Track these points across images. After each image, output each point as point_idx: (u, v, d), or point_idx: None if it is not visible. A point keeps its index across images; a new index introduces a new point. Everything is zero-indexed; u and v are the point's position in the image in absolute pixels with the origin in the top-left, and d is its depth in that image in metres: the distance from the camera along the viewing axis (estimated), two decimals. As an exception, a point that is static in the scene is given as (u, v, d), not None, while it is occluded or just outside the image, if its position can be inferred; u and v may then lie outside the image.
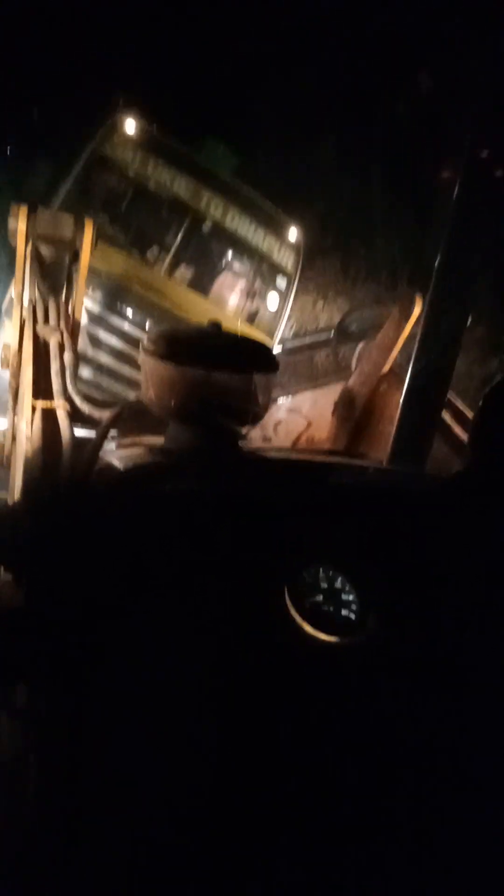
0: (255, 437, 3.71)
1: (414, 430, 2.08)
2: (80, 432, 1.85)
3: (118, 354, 6.61)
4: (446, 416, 2.56)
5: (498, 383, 1.31)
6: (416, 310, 3.10)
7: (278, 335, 7.73)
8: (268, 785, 1.03)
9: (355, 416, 3.12)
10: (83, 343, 6.13)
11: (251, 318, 7.67)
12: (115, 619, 1.18)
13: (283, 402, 3.81)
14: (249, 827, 1.01)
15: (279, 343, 7.30)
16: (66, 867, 1.07)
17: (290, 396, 3.76)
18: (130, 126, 6.77)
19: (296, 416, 3.62)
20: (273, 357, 1.80)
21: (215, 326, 1.78)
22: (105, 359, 6.65)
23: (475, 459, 1.35)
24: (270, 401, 1.72)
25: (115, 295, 6.61)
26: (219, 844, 1.00)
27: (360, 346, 3.61)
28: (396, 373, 3.20)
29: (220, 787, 1.03)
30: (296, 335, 8.39)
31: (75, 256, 2.93)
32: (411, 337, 3.13)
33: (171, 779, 1.06)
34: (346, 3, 9.72)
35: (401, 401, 2.00)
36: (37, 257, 2.75)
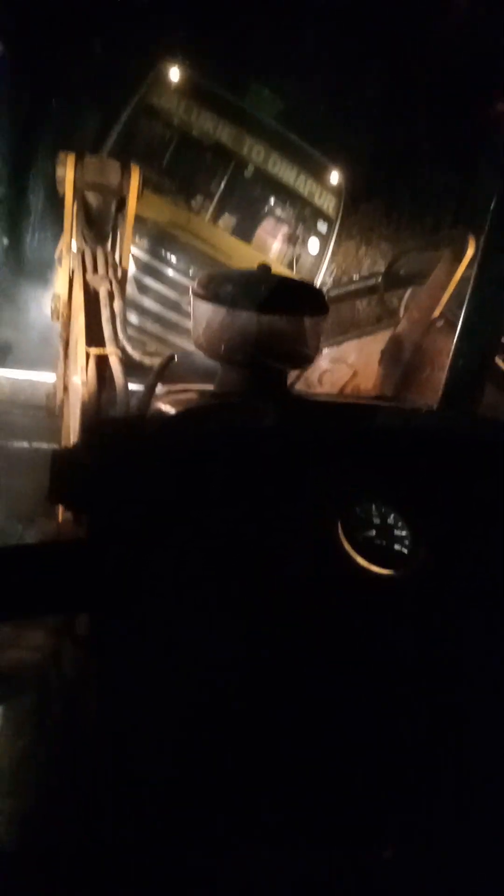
0: (300, 387, 3.70)
1: (466, 375, 2.04)
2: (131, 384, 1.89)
3: (164, 300, 6.73)
4: (499, 361, 2.50)
5: None
6: (469, 251, 2.99)
7: (319, 279, 7.74)
8: (322, 718, 1.07)
9: (404, 363, 3.07)
10: (131, 289, 6.28)
11: (292, 264, 7.65)
12: (172, 552, 1.22)
13: (327, 351, 3.77)
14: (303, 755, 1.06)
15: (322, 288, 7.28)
16: (121, 801, 1.12)
17: (334, 346, 3.71)
18: (175, 74, 6.74)
19: (341, 366, 3.58)
20: (323, 299, 1.79)
21: (265, 269, 1.77)
22: (151, 305, 6.78)
23: None
24: (320, 343, 1.71)
25: (161, 242, 6.70)
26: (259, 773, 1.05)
27: (409, 291, 3.52)
28: (448, 318, 3.12)
29: (272, 718, 1.08)
30: (337, 281, 8.28)
31: (122, 204, 2.93)
32: (464, 280, 3.04)
33: (228, 709, 1.10)
34: None
35: (452, 346, 1.96)
36: (84, 206, 2.75)
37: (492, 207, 2.09)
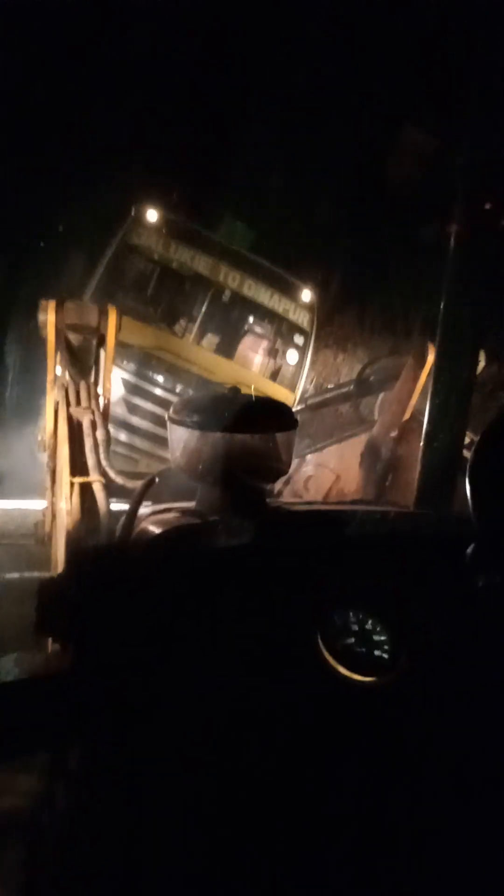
0: (286, 493, 3.78)
1: (436, 474, 2.13)
2: (115, 504, 1.96)
3: (153, 418, 7.11)
4: (467, 456, 2.59)
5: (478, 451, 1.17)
6: (430, 357, 3.19)
7: (300, 388, 8.20)
8: (311, 823, 1.05)
9: (381, 465, 3.17)
10: (120, 410, 6.66)
11: (274, 375, 8.13)
12: (158, 674, 1.23)
13: (311, 457, 3.88)
14: (284, 863, 1.03)
15: (302, 398, 7.68)
16: None
17: (318, 452, 3.84)
18: (152, 216, 7.50)
19: (324, 471, 3.68)
20: (291, 415, 1.89)
21: (234, 391, 1.89)
22: (140, 422, 7.18)
23: (481, 533, 1.18)
24: (292, 456, 1.80)
25: (148, 365, 7.20)
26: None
27: (381, 396, 3.70)
28: (419, 419, 3.26)
29: (262, 826, 1.06)
30: (318, 390, 8.72)
31: (101, 341, 3.14)
32: (429, 384, 3.21)
33: (218, 826, 1.08)
34: (347, 74, 10.34)
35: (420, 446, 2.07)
36: (66, 345, 2.95)
37: (440, 319, 2.28)
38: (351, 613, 1.29)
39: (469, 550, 1.21)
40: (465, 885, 1.03)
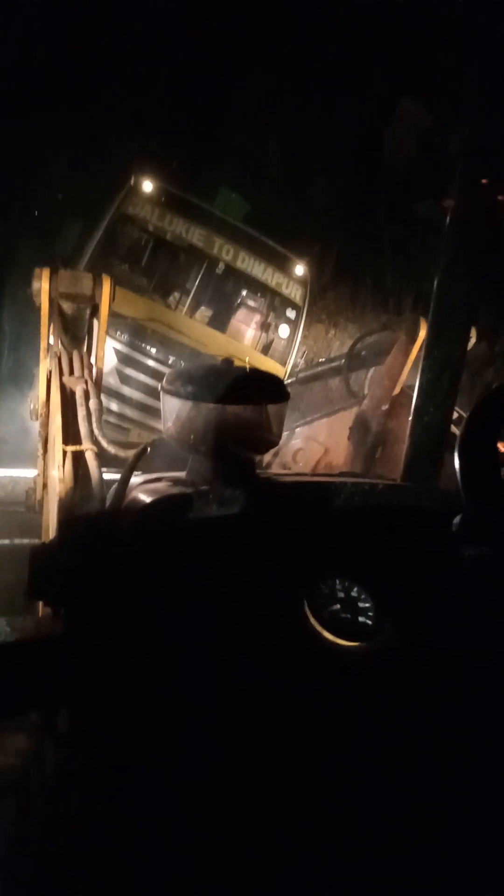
0: (275, 465, 3.81)
1: (424, 449, 2.16)
2: (107, 473, 1.97)
3: (145, 388, 7.17)
4: (456, 430, 2.62)
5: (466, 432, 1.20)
6: (422, 333, 3.21)
7: (291, 362, 8.25)
8: (294, 786, 1.09)
9: (370, 439, 3.20)
10: (113, 380, 6.68)
11: (266, 349, 8.13)
12: (148, 641, 1.26)
13: (300, 430, 3.91)
14: (274, 829, 1.07)
15: (293, 371, 7.72)
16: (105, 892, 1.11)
17: (306, 425, 3.86)
18: (148, 186, 7.39)
19: (313, 444, 3.71)
20: (283, 387, 1.91)
21: (227, 362, 1.90)
22: (132, 393, 7.22)
23: (468, 510, 1.22)
24: (283, 428, 1.82)
25: (141, 336, 7.18)
26: (245, 851, 1.06)
27: (371, 371, 3.71)
28: (409, 394, 3.28)
29: (251, 791, 1.10)
30: (309, 364, 8.75)
31: (95, 310, 3.12)
32: (420, 359, 3.23)
33: (206, 793, 1.12)
34: (346, 50, 10.16)
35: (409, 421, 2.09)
36: (59, 313, 2.93)
37: (433, 295, 2.29)
38: (337, 581, 1.32)
39: (455, 522, 1.25)
40: (450, 852, 1.07)
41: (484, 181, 2.42)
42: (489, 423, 1.22)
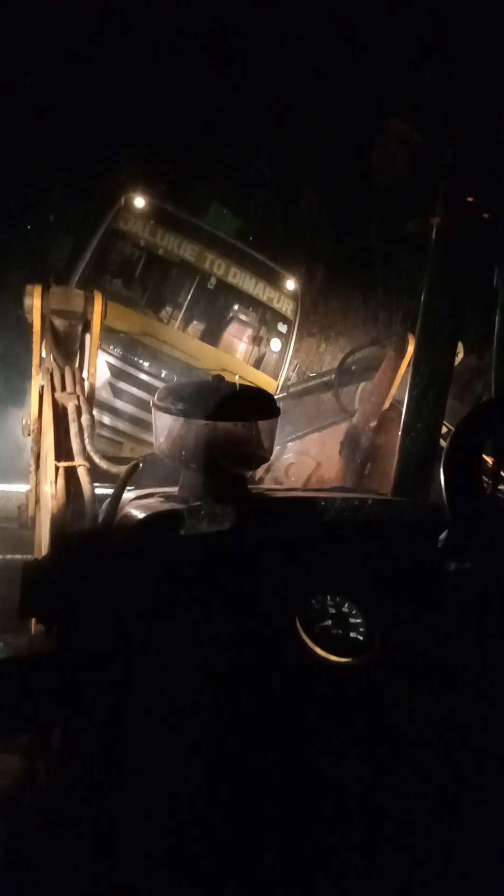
0: (267, 480, 3.82)
1: (413, 464, 2.18)
2: (100, 489, 1.98)
3: (138, 402, 7.22)
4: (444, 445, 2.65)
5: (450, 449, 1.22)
6: (410, 348, 3.24)
7: (283, 375, 8.31)
8: (285, 800, 1.10)
9: (361, 454, 3.23)
10: (105, 394, 6.70)
11: (258, 363, 8.19)
12: (140, 656, 1.27)
13: (292, 444, 3.93)
14: (264, 841, 1.08)
15: (284, 385, 7.78)
16: None
17: (298, 439, 3.88)
18: (140, 202, 7.45)
19: (305, 458, 3.73)
20: (274, 403, 1.93)
21: (217, 379, 1.92)
22: (125, 406, 7.27)
23: (453, 524, 1.24)
24: (274, 444, 1.84)
25: (133, 350, 7.23)
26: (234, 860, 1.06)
27: (361, 386, 3.75)
28: (398, 409, 3.32)
29: (242, 805, 1.10)
30: (302, 376, 8.81)
31: (87, 326, 3.15)
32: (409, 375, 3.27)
33: (199, 810, 1.12)
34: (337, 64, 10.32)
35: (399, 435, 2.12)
36: (51, 330, 2.95)
37: (420, 312, 2.33)
38: (329, 597, 1.33)
39: (441, 537, 1.26)
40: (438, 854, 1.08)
41: (469, 199, 2.47)
42: (473, 438, 1.24)
